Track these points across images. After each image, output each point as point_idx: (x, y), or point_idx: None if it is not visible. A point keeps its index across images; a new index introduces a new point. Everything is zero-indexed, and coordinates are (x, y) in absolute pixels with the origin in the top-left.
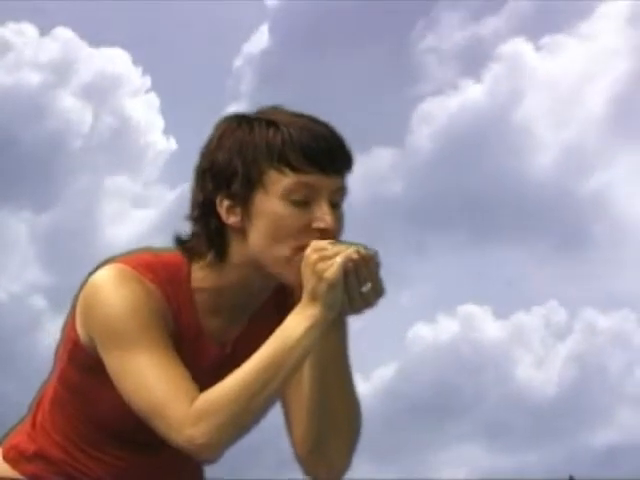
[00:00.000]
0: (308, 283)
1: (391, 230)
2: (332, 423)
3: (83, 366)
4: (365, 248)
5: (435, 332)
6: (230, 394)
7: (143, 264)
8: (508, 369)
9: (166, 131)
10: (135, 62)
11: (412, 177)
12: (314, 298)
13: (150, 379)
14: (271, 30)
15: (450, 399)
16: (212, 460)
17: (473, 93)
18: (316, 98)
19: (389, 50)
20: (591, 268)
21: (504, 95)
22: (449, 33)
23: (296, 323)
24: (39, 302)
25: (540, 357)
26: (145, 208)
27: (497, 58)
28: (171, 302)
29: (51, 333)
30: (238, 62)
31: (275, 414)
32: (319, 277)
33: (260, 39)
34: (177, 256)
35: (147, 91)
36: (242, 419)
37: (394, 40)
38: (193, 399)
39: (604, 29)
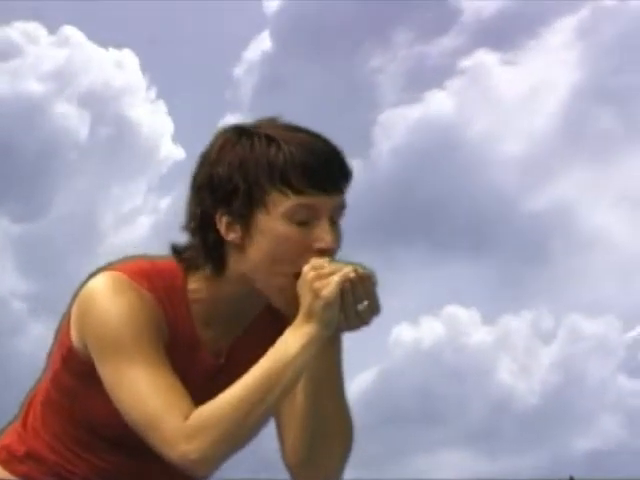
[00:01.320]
0: (305, 300)
1: (354, 240)
2: (324, 434)
3: (76, 372)
4: (362, 267)
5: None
6: (225, 410)
7: (139, 272)
8: (491, 374)
9: (175, 138)
10: (143, 67)
11: (375, 188)
12: (310, 316)
13: (144, 392)
14: (270, 37)
15: (434, 404)
16: (205, 476)
17: (434, 107)
18: (292, 107)
19: (354, 63)
20: (553, 277)
21: (462, 109)
22: (401, 51)
23: (292, 340)
24: (19, 307)
25: (522, 362)
26: (144, 216)
27: (457, 73)
28: (167, 311)
29: (30, 338)
30: (238, 70)
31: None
32: (316, 295)
33: (259, 47)
34: (173, 264)
35: (153, 101)
36: (237, 435)
37: (360, 54)
38: (187, 414)
39: (555, 44)
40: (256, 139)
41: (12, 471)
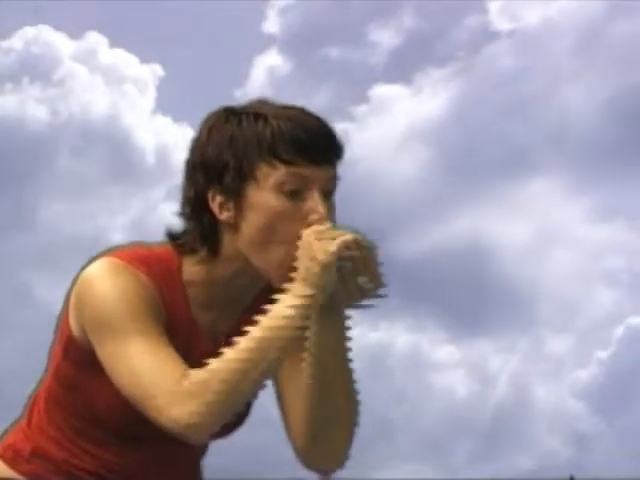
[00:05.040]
0: (301, 264)
1: None
2: (332, 415)
3: (77, 361)
4: (364, 237)
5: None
6: (219, 374)
7: (136, 257)
8: (449, 389)
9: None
10: (160, 82)
11: None
12: (305, 278)
13: (140, 364)
14: (270, 57)
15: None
16: (200, 441)
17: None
18: None
19: None
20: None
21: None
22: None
23: (286, 303)
24: None
25: (481, 379)
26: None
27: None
28: (164, 295)
29: None
30: (238, 93)
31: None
32: (312, 257)
33: (259, 67)
34: (168, 250)
35: (160, 120)
36: (231, 399)
37: None
38: (182, 380)
39: (436, 85)
40: (244, 117)
41: (19, 470)
